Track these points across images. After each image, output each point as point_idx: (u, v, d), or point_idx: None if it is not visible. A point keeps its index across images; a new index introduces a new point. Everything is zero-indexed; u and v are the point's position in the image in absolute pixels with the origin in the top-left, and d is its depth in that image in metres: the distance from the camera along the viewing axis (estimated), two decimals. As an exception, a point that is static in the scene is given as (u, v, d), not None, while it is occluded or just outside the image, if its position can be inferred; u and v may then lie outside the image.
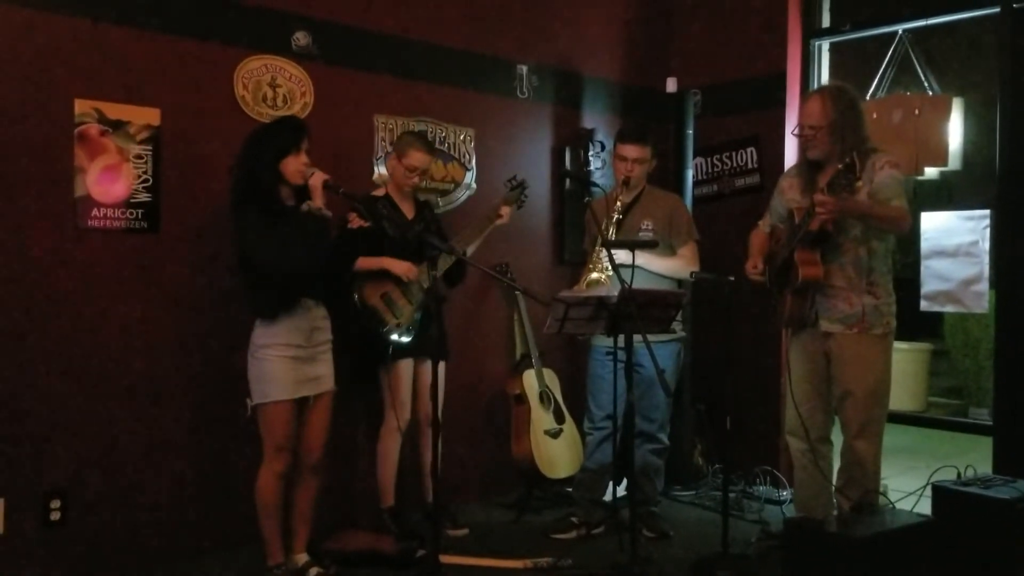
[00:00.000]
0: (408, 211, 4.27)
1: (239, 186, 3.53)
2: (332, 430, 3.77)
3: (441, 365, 4.20)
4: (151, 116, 3.82)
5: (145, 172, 3.81)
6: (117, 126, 3.74)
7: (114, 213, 3.74)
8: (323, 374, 3.67)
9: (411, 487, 4.35)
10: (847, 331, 3.71)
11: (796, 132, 3.83)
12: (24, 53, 3.54)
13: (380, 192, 4.28)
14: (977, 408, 7.82)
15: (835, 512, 3.82)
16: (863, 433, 3.73)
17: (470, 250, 4.32)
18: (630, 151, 4.26)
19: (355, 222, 3.87)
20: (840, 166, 3.37)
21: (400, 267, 4.02)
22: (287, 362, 3.53)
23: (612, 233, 4.16)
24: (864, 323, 3.69)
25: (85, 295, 3.68)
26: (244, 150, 3.55)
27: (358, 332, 4.04)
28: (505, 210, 4.36)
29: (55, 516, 3.62)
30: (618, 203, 4.23)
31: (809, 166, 3.80)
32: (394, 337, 4.01)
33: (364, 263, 4.04)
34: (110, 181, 3.73)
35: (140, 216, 3.81)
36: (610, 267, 3.88)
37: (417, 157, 4.16)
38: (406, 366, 4.15)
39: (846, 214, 3.55)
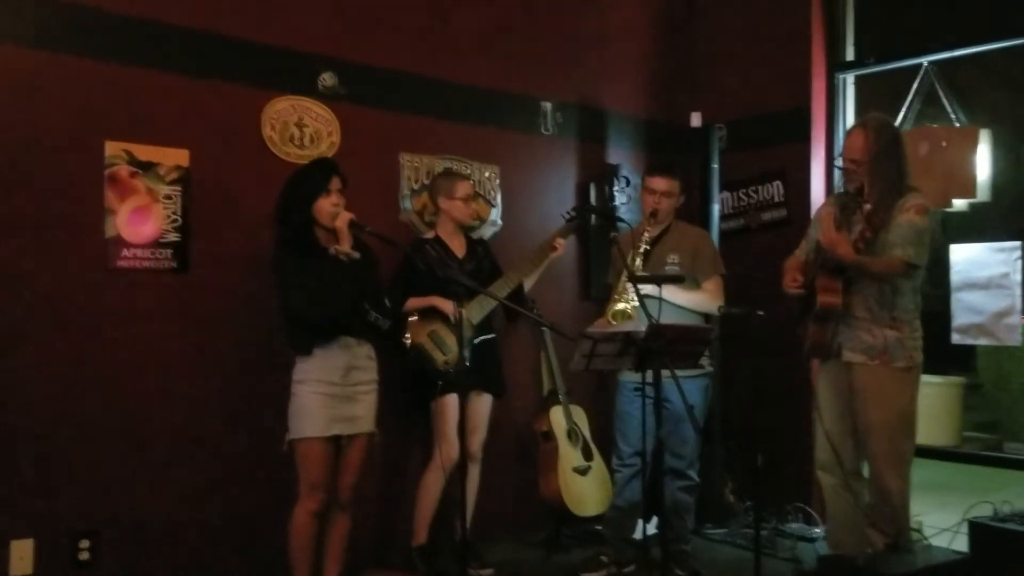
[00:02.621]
0: (459, 248, 4.34)
1: (277, 231, 3.60)
2: (369, 471, 3.79)
3: (487, 399, 4.33)
4: (180, 157, 3.87)
5: (174, 212, 3.86)
6: (147, 167, 3.79)
7: (144, 253, 3.78)
8: (360, 415, 3.66)
9: (444, 524, 4.32)
10: (869, 362, 3.68)
11: (839, 164, 3.85)
12: (56, 96, 3.60)
13: (430, 234, 4.35)
14: (1013, 442, 7.67)
15: (868, 549, 3.75)
16: (888, 467, 3.67)
17: (528, 283, 4.43)
18: (658, 184, 4.27)
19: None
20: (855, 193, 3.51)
21: (449, 306, 4.04)
22: (320, 398, 3.54)
23: (639, 266, 4.15)
24: (886, 355, 3.66)
25: (116, 335, 3.71)
26: (279, 196, 3.62)
27: (408, 369, 4.11)
28: (560, 242, 4.40)
29: (84, 556, 3.62)
30: (645, 235, 4.22)
31: (848, 197, 3.79)
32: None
33: (414, 303, 4.11)
34: (140, 222, 3.77)
35: (170, 256, 3.84)
36: (636, 299, 3.86)
37: (465, 186, 4.34)
38: (453, 401, 4.15)
39: (840, 258, 3.57)
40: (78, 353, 3.63)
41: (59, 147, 3.60)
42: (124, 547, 3.71)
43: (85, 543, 3.62)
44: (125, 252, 3.73)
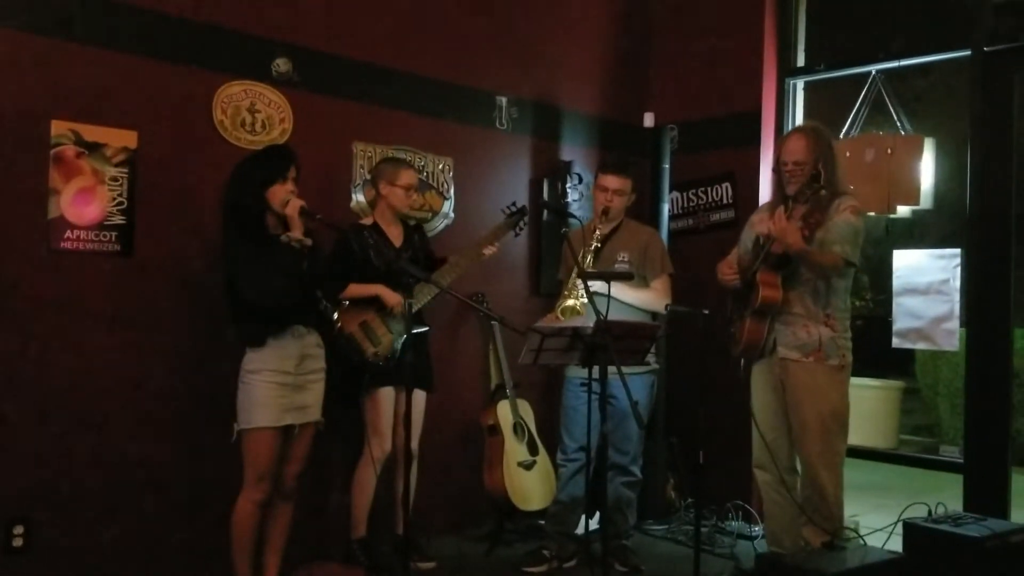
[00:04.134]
0: (396, 237, 4.27)
1: (227, 215, 3.56)
2: (311, 459, 3.75)
3: (421, 395, 4.22)
4: (128, 139, 3.80)
5: (120, 195, 3.79)
6: (93, 148, 3.72)
7: (87, 235, 3.70)
8: (310, 404, 3.65)
9: (383, 517, 4.31)
10: (803, 359, 3.78)
11: (775, 168, 3.93)
12: (2, 73, 3.51)
13: (368, 220, 4.29)
14: (948, 446, 7.86)
15: (803, 543, 3.82)
16: (822, 465, 3.76)
17: (447, 279, 4.28)
18: (611, 182, 4.29)
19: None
20: (811, 180, 3.64)
21: (393, 298, 4.00)
22: (274, 388, 3.51)
23: (589, 263, 4.17)
24: (820, 353, 3.76)
25: (55, 317, 3.63)
26: (232, 179, 3.58)
27: (338, 359, 4.01)
28: (490, 249, 4.36)
29: (18, 542, 3.54)
30: (596, 233, 4.25)
31: (782, 202, 3.87)
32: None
33: (355, 290, 4.03)
34: (84, 203, 3.70)
35: (114, 239, 3.77)
36: (585, 296, 3.88)
37: (409, 174, 4.25)
38: (386, 395, 4.12)
39: (788, 245, 3.65)
40: (15, 335, 3.55)
41: (3, 125, 3.51)
42: (59, 533, 3.64)
43: (19, 529, 3.54)
44: (68, 234, 3.66)
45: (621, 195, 4.32)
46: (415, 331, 4.09)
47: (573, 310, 4.06)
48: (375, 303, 4.03)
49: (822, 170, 3.67)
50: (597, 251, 4.25)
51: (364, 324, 4.02)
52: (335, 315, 3.95)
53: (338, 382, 4.10)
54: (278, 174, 3.54)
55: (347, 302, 4.01)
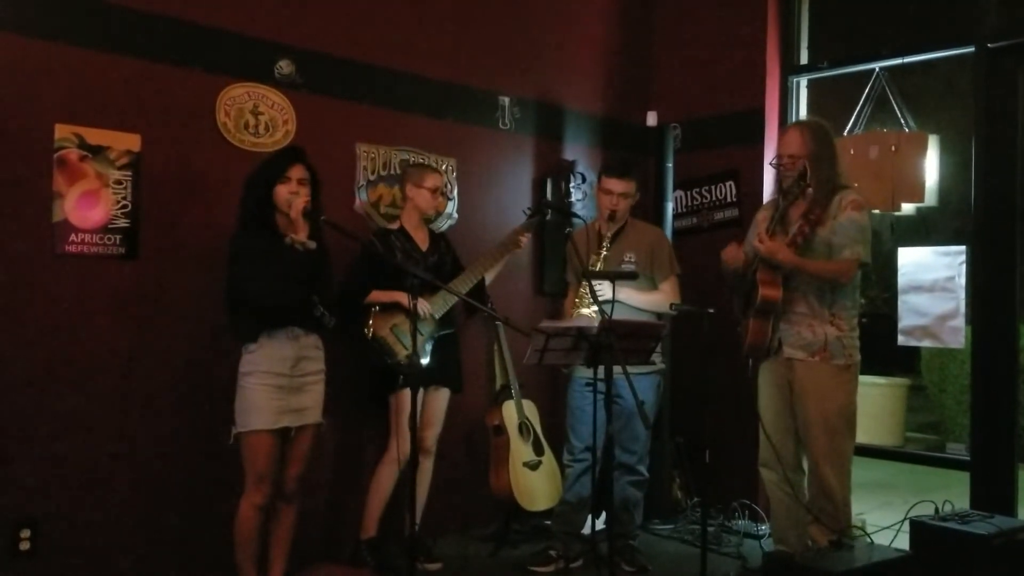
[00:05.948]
0: (422, 241, 4.33)
1: (239, 215, 3.59)
2: (316, 462, 3.78)
3: (445, 394, 4.34)
4: (132, 142, 3.81)
5: (124, 198, 3.79)
6: (97, 151, 3.72)
7: (92, 239, 3.71)
8: (308, 406, 3.64)
9: (392, 518, 4.30)
10: (810, 358, 3.76)
11: (774, 162, 3.92)
12: (5, 77, 3.52)
13: (395, 225, 4.33)
14: (954, 443, 7.86)
15: (810, 542, 3.82)
16: (828, 464, 3.75)
17: (489, 278, 4.43)
18: (615, 185, 4.28)
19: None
20: (798, 178, 3.65)
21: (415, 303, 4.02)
22: (269, 390, 3.51)
23: (598, 266, 4.17)
24: (826, 352, 3.74)
25: (60, 321, 3.64)
26: (244, 181, 3.60)
27: (370, 361, 4.08)
28: (524, 238, 4.42)
29: (25, 546, 3.54)
30: (605, 242, 4.24)
31: (783, 199, 3.86)
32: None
33: (377, 296, 4.07)
34: (89, 206, 3.70)
35: (118, 242, 3.78)
36: (594, 303, 3.88)
37: (435, 177, 4.33)
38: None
39: (781, 263, 3.66)
40: (21, 339, 3.55)
41: (7, 129, 3.52)
42: (66, 538, 3.65)
43: (26, 532, 3.55)
44: (73, 237, 3.66)
45: (626, 197, 4.31)
46: (443, 332, 4.21)
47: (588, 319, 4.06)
48: (403, 308, 4.06)
49: (808, 167, 3.66)
50: (606, 258, 4.25)
51: (395, 327, 4.07)
52: (372, 317, 4.02)
53: (368, 383, 4.20)
54: (278, 175, 3.55)
55: (378, 307, 4.06)
